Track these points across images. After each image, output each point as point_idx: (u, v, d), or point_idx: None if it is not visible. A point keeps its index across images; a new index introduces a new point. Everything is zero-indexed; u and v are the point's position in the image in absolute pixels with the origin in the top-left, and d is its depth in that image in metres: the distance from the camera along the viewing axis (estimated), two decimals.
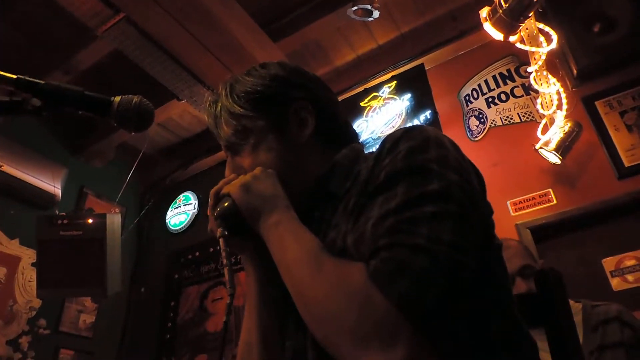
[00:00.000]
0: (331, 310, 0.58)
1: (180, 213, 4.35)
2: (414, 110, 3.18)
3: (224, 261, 0.76)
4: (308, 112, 0.88)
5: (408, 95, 3.26)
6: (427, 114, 3.10)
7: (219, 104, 0.90)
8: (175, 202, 4.45)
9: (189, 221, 4.26)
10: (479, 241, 0.61)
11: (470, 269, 0.56)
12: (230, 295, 0.71)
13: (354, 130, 0.97)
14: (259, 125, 0.86)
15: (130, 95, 0.73)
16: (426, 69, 3.28)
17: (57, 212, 3.28)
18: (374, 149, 0.73)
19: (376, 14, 2.93)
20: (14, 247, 3.50)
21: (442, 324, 0.54)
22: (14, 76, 0.66)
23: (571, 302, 1.71)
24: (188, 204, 4.36)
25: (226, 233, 0.78)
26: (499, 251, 0.69)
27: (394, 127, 3.24)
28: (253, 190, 0.78)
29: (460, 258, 0.55)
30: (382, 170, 0.66)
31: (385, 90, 3.38)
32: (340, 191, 0.79)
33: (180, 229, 4.29)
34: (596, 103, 2.64)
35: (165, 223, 4.41)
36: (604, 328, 1.59)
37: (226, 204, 0.79)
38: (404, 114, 3.23)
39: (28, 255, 3.53)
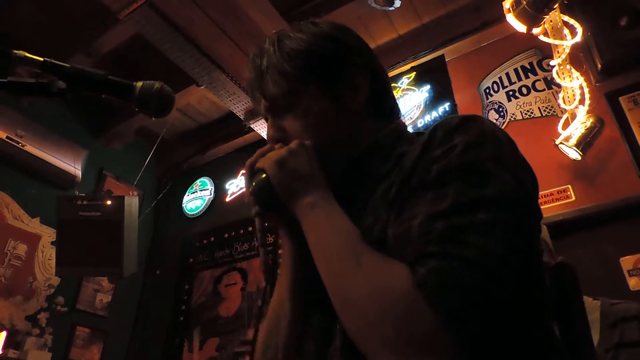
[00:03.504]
0: (371, 315, 0.55)
1: (197, 198, 4.40)
2: (433, 102, 3.16)
3: (259, 242, 0.73)
4: (363, 79, 0.82)
5: (427, 87, 3.23)
6: (446, 106, 3.08)
7: (265, 60, 0.82)
8: (192, 187, 4.50)
9: (205, 206, 4.31)
10: (529, 251, 0.59)
11: (519, 283, 0.54)
12: (265, 279, 0.69)
13: (398, 105, 0.92)
14: (310, 88, 0.80)
15: (151, 81, 0.74)
16: (446, 60, 3.25)
17: (77, 192, 3.35)
18: (410, 129, 0.68)
19: (397, 3, 2.90)
20: (34, 225, 3.58)
21: (487, 339, 0.52)
22: (41, 59, 0.68)
23: (589, 299, 1.68)
24: (204, 190, 4.40)
25: (260, 210, 0.74)
26: (542, 258, 0.66)
27: (411, 118, 3.22)
28: (288, 167, 0.72)
29: (511, 273, 0.53)
30: (433, 162, 0.61)
31: (404, 81, 3.36)
32: (378, 172, 0.75)
33: (196, 213, 4.34)
34: (620, 99, 2.59)
35: (181, 207, 4.47)
36: (623, 326, 1.56)
37: (260, 180, 0.75)
38: (422, 106, 3.20)
39: (48, 234, 3.61)
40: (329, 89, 0.80)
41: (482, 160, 0.60)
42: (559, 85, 2.64)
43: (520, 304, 0.55)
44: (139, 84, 0.73)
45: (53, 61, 0.68)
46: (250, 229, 3.73)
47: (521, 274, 0.55)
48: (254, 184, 0.76)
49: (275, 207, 0.75)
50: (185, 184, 4.56)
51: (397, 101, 0.92)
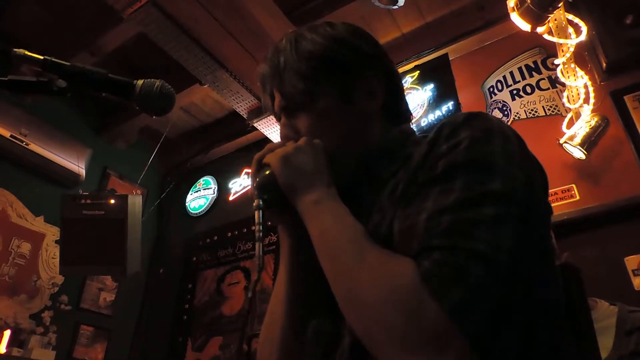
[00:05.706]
0: (376, 309, 0.54)
1: (200, 197, 4.41)
2: (437, 101, 3.14)
3: (257, 235, 0.72)
4: (379, 84, 0.82)
5: (431, 86, 3.22)
6: (450, 104, 3.07)
7: (283, 58, 0.81)
8: (195, 186, 4.51)
9: (208, 205, 4.32)
10: (538, 247, 0.59)
11: (527, 279, 0.54)
12: (258, 271, 0.68)
13: (409, 109, 0.92)
14: (325, 90, 0.80)
15: (152, 79, 0.74)
16: (450, 59, 3.24)
17: (80, 191, 3.36)
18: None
19: (401, 1, 2.88)
20: (38, 224, 3.60)
21: (494, 335, 0.51)
22: (41, 57, 0.68)
23: (606, 304, 1.66)
24: (208, 188, 4.41)
25: (262, 204, 0.73)
26: (553, 254, 0.65)
27: (415, 117, 3.21)
28: (292, 164, 0.73)
29: (519, 268, 0.53)
30: (440, 158, 0.61)
31: (408, 80, 3.35)
32: (385, 173, 0.74)
33: (199, 212, 4.35)
34: (625, 98, 2.57)
35: (185, 206, 4.48)
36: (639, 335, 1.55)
37: (265, 175, 0.75)
38: (425, 105, 3.19)
39: (52, 233, 3.62)
40: (344, 92, 0.80)
41: (488, 155, 0.60)
42: (563, 84, 2.63)
43: (528, 302, 0.55)
44: (140, 82, 0.73)
45: (53, 59, 0.68)
46: (254, 228, 3.73)
47: (529, 269, 0.54)
48: (258, 178, 0.76)
49: (278, 203, 0.74)
50: (188, 183, 4.57)
51: (409, 105, 0.92)
